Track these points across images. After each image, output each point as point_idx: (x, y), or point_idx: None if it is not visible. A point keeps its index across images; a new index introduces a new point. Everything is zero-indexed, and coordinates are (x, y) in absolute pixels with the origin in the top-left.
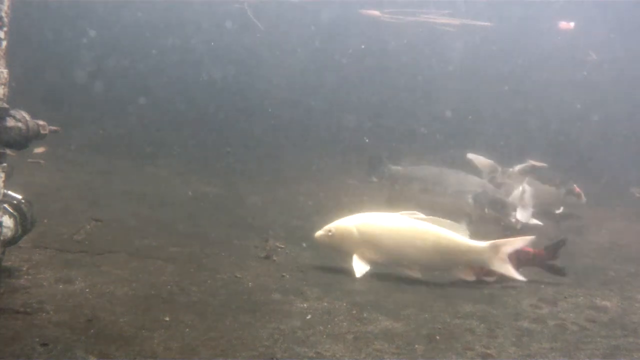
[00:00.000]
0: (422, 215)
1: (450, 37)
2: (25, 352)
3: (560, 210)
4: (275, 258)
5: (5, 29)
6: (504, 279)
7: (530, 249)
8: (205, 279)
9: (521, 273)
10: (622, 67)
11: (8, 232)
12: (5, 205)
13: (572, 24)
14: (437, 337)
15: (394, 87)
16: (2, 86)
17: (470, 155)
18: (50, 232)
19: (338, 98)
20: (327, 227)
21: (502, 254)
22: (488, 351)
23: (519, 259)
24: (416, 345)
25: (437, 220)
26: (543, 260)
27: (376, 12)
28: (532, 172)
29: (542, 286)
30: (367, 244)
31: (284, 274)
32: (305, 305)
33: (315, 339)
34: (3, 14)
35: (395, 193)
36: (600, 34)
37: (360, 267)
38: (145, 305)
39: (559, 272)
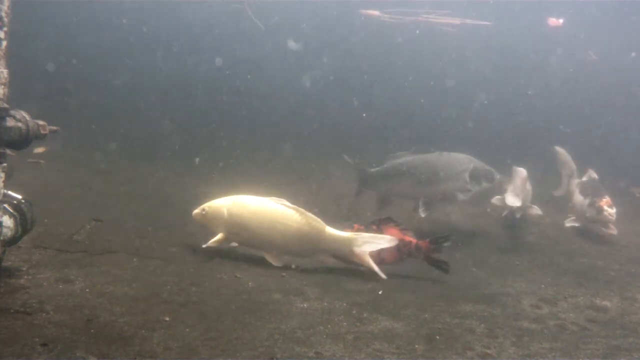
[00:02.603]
0: (287, 203)
1: (451, 37)
2: (25, 352)
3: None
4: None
5: (5, 29)
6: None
7: (413, 239)
8: (205, 279)
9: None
10: (617, 65)
11: (8, 232)
12: (5, 205)
13: (561, 21)
14: (437, 337)
15: (390, 85)
16: (2, 86)
17: (559, 150)
18: (50, 232)
19: (335, 97)
20: (202, 205)
21: (361, 248)
22: (488, 351)
23: (399, 249)
24: (416, 345)
25: (301, 210)
26: (426, 253)
27: (376, 12)
28: (591, 184)
29: (542, 286)
30: (234, 225)
31: (284, 274)
32: (305, 305)
33: (315, 339)
34: (3, 14)
35: (385, 193)
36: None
37: (215, 243)
38: (145, 305)
39: (441, 266)
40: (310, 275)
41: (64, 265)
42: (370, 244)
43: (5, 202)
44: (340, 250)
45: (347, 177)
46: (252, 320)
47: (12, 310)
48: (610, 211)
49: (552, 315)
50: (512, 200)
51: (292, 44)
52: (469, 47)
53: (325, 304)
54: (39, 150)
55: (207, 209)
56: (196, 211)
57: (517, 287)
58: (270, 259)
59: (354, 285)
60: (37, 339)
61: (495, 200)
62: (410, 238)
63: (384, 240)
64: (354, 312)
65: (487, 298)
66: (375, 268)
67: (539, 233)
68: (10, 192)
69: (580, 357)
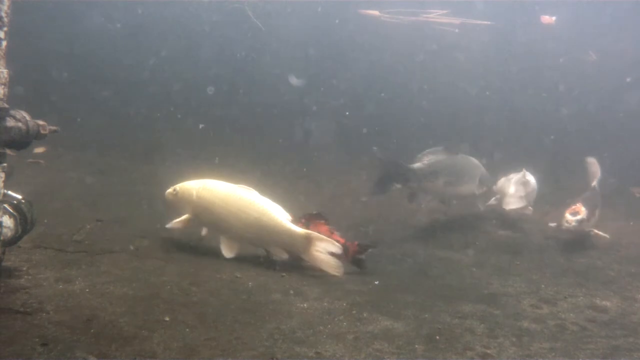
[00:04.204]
0: (255, 192)
1: (451, 36)
2: (25, 352)
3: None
4: (275, 258)
5: (5, 29)
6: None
7: (341, 239)
8: (205, 279)
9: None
10: (617, 63)
11: (8, 232)
12: (5, 205)
13: (553, 19)
14: (437, 337)
15: (391, 86)
16: (2, 86)
17: (590, 160)
18: (50, 232)
19: (336, 98)
20: (174, 186)
21: (316, 246)
22: (488, 351)
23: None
24: (416, 345)
25: (269, 201)
26: (352, 254)
27: (376, 12)
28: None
29: (542, 286)
30: (201, 207)
31: (283, 274)
32: (305, 305)
33: (315, 339)
34: (3, 14)
35: (417, 190)
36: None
37: (178, 223)
38: (145, 305)
39: (361, 265)
40: (310, 275)
41: (64, 265)
42: (324, 242)
43: (5, 202)
44: (294, 246)
45: (349, 176)
46: (252, 320)
47: (12, 310)
48: (569, 218)
49: (552, 315)
50: (511, 203)
51: (293, 80)
52: (471, 47)
53: (325, 304)
54: (39, 150)
55: (178, 189)
56: (169, 190)
57: (517, 287)
58: (224, 247)
59: (354, 285)
60: (37, 339)
61: (495, 200)
62: (338, 237)
63: (334, 246)
64: (354, 312)
65: (487, 298)
66: (328, 269)
67: (539, 233)
68: (10, 192)
69: (580, 357)
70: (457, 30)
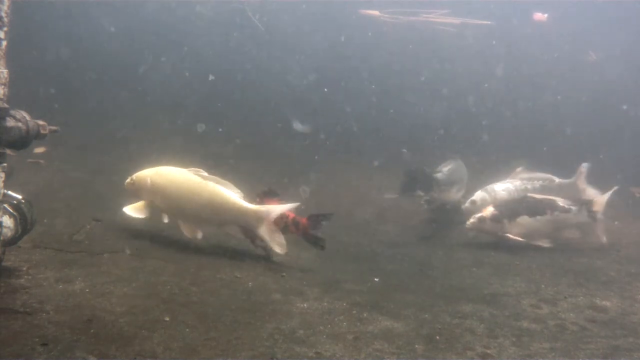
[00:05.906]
0: (205, 174)
1: (451, 37)
2: (25, 352)
3: None
4: (275, 258)
5: (5, 29)
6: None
7: (291, 214)
8: (205, 279)
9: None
10: (617, 63)
11: (8, 232)
12: (5, 205)
13: (545, 16)
14: (437, 337)
15: (391, 87)
16: (2, 86)
17: (582, 169)
18: (50, 232)
19: (338, 100)
20: (132, 175)
21: (269, 220)
22: (488, 351)
23: (276, 223)
24: (416, 345)
25: (219, 180)
26: (304, 229)
27: (376, 12)
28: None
29: (542, 286)
30: (156, 194)
31: (283, 274)
32: (305, 305)
33: (315, 339)
34: (3, 14)
35: (433, 197)
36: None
37: (134, 211)
38: (145, 305)
39: (318, 243)
40: (310, 275)
41: (64, 265)
42: (275, 213)
43: (5, 202)
44: (248, 223)
45: (350, 176)
46: (252, 320)
47: (12, 310)
48: (474, 215)
49: (552, 315)
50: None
51: (298, 126)
52: (472, 47)
53: (325, 304)
54: (39, 150)
55: (134, 178)
56: (127, 181)
57: (517, 287)
58: (184, 229)
59: (354, 285)
60: (37, 339)
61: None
62: (288, 213)
63: (284, 207)
64: (354, 312)
65: (487, 298)
66: (278, 245)
67: None
68: (10, 192)
69: (580, 357)
70: (455, 30)
